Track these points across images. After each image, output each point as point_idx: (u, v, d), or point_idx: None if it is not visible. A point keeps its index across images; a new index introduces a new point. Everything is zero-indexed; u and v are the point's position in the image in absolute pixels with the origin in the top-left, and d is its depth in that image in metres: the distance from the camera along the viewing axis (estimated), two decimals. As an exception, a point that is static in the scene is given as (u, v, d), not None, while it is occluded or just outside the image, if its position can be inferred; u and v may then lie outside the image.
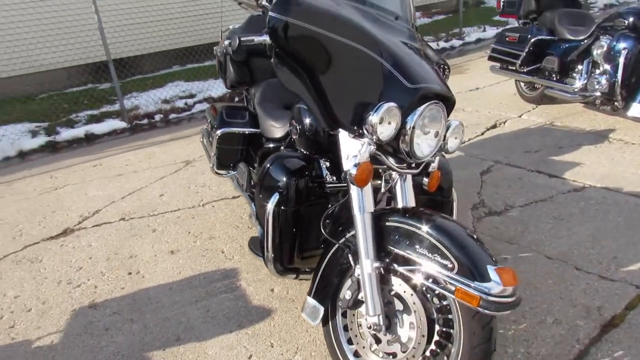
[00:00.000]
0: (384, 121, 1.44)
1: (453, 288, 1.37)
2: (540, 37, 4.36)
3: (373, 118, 1.41)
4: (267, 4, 1.58)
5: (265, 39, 1.59)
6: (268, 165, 1.80)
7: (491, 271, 1.38)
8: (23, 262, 2.89)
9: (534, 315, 2.04)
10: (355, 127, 1.49)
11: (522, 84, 4.89)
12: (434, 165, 1.71)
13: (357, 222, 1.55)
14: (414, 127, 1.47)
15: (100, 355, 2.06)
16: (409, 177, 1.70)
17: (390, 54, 1.50)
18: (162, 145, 4.90)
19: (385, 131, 1.44)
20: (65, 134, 5.42)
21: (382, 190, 1.76)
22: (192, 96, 6.47)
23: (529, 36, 4.40)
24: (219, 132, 2.55)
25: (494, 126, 4.37)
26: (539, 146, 3.80)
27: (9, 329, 2.30)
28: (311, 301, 1.73)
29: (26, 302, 2.49)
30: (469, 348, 1.43)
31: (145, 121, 5.83)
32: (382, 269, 1.55)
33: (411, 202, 1.69)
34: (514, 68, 4.60)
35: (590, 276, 2.25)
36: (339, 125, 1.55)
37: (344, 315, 1.73)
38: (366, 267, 1.53)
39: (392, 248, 1.53)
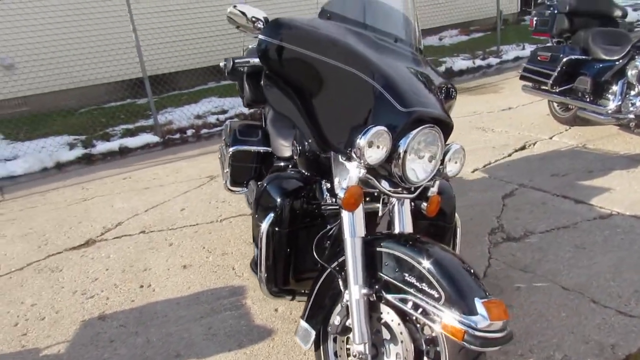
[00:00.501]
0: (373, 145, 1.41)
1: (439, 320, 1.33)
2: (572, 57, 4.22)
3: (361, 141, 1.39)
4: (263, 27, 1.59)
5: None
6: (265, 185, 1.80)
7: (479, 304, 1.32)
8: (44, 270, 2.99)
9: (542, 349, 1.94)
10: (345, 150, 1.48)
11: (555, 104, 4.74)
12: (433, 190, 1.66)
13: (347, 247, 1.52)
14: (406, 151, 1.44)
15: (102, 367, 2.10)
16: (407, 201, 1.66)
17: (382, 76, 1.48)
18: (190, 159, 5.00)
19: (374, 155, 1.42)
20: (101, 147, 5.62)
21: (380, 213, 1.74)
22: (224, 112, 6.59)
23: (561, 55, 4.27)
24: (231, 149, 2.59)
25: (523, 147, 4.24)
26: (567, 169, 3.65)
27: (21, 336, 2.37)
28: (303, 324, 1.70)
29: (41, 310, 2.57)
30: (455, 383, 1.37)
31: (177, 136, 5.98)
32: (371, 296, 1.51)
33: (408, 227, 1.65)
34: (546, 88, 4.47)
35: (607, 310, 2.12)
36: (330, 148, 1.53)
37: (335, 340, 1.69)
38: (354, 293, 1.49)
39: (382, 275, 1.50)
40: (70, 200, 4.18)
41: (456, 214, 1.91)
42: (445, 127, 1.56)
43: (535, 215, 3.02)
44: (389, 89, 1.47)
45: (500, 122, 5.01)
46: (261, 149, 2.60)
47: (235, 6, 1.54)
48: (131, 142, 5.72)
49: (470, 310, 1.32)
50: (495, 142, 4.42)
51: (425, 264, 1.40)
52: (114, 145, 5.63)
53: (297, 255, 1.79)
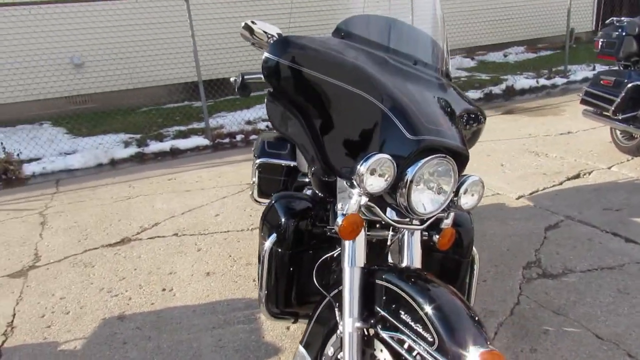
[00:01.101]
0: (375, 173, 1.34)
1: None
2: (639, 83, 3.92)
3: (361, 168, 1.32)
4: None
5: None
6: (272, 203, 1.77)
7: (474, 353, 1.21)
8: (79, 265, 3.11)
9: (562, 403, 1.79)
10: (348, 176, 1.41)
11: (617, 132, 4.42)
12: (447, 222, 1.56)
13: (345, 276, 1.46)
14: (412, 181, 1.36)
15: (111, 368, 2.13)
16: (418, 232, 1.57)
17: (392, 101, 1.40)
18: (235, 165, 5.07)
19: (375, 183, 1.35)
20: (154, 146, 5.82)
21: (389, 242, 1.66)
22: (274, 119, 6.64)
23: (626, 80, 3.97)
24: (257, 161, 2.58)
25: (577, 176, 3.97)
26: (621, 204, 3.38)
27: (45, 328, 2.46)
28: (301, 350, 1.65)
29: (68, 304, 2.66)
30: None
31: (227, 140, 6.10)
32: (365, 329, 1.43)
33: (417, 260, 1.56)
34: (608, 114, 4.17)
35: (643, 367, 1.93)
36: (333, 172, 1.48)
37: (329, 371, 1.62)
38: (347, 325, 1.43)
39: (379, 309, 1.42)
40: (116, 197, 4.34)
41: (474, 249, 1.79)
42: (461, 157, 1.46)
43: (578, 251, 2.81)
44: (398, 114, 1.39)
45: (556, 147, 4.73)
46: (288, 162, 2.57)
47: (248, 22, 1.52)
48: (182, 143, 5.89)
49: (458, 358, 1.22)
50: (547, 168, 4.17)
51: (423, 303, 1.31)
52: (165, 145, 5.82)
53: (300, 277, 1.74)
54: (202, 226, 3.54)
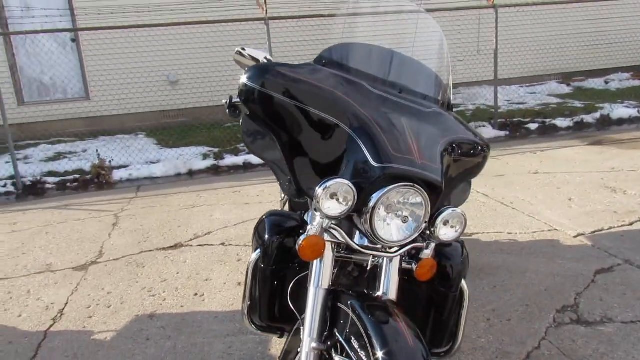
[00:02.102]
0: (335, 197, 1.37)
1: None
2: None
3: (319, 191, 1.35)
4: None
5: None
6: (263, 218, 1.84)
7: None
8: (132, 264, 3.39)
9: None
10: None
11: None
12: (426, 252, 1.54)
13: (309, 297, 1.49)
14: (374, 207, 1.37)
15: (129, 361, 2.31)
16: (396, 260, 1.56)
17: (362, 128, 1.43)
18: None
19: (333, 207, 1.37)
20: (229, 160, 6.18)
21: (368, 267, 1.67)
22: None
23: None
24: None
25: (653, 218, 3.60)
26: (696, 252, 3.01)
27: (87, 318, 2.73)
28: None
29: (112, 299, 2.92)
30: None
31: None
32: (322, 352, 1.45)
33: (392, 289, 1.54)
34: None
35: None
36: (302, 193, 1.52)
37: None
38: (305, 345, 1.45)
39: (337, 333, 1.43)
40: (183, 205, 4.67)
41: (463, 282, 1.72)
42: (435, 188, 1.44)
43: (627, 300, 2.55)
44: (366, 141, 1.42)
45: (637, 183, 4.32)
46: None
47: (239, 49, 1.63)
48: (255, 158, 6.17)
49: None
50: (620, 207, 3.82)
51: (374, 339, 1.31)
52: (239, 160, 6.14)
53: (284, 293, 1.79)
54: (249, 238, 3.69)
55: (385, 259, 1.55)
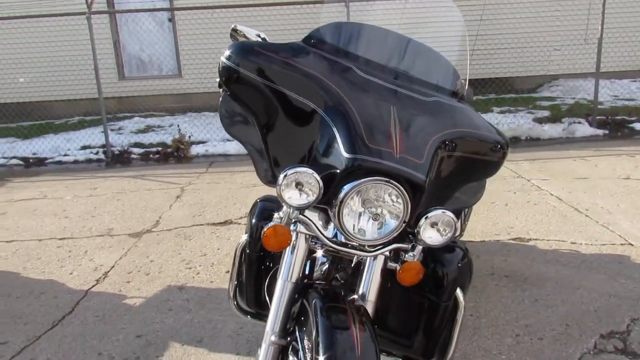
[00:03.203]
0: (300, 186, 1.29)
1: None
2: None
3: (279, 179, 1.28)
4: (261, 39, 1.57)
5: None
6: (256, 202, 1.79)
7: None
8: (180, 236, 3.53)
9: None
10: None
11: None
12: (410, 255, 1.41)
13: (276, 289, 1.43)
14: (341, 201, 1.27)
15: (148, 328, 2.40)
16: (380, 259, 1.44)
17: (340, 114, 1.32)
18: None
19: (295, 197, 1.29)
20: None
21: (352, 264, 1.57)
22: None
23: None
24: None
25: None
26: None
27: (125, 282, 2.89)
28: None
29: (152, 267, 3.07)
30: None
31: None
32: (281, 346, 1.39)
33: (372, 289, 1.43)
34: None
35: None
36: (275, 179, 1.45)
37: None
38: (266, 339, 1.40)
39: (296, 330, 1.36)
40: (245, 184, 4.78)
41: (459, 292, 1.55)
42: (416, 186, 1.30)
43: (693, 334, 2.18)
44: (342, 129, 1.31)
45: None
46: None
47: (233, 26, 1.58)
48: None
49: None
50: None
51: (321, 338, 1.23)
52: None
53: (269, 281, 1.74)
54: (295, 222, 3.68)
55: (368, 258, 1.44)
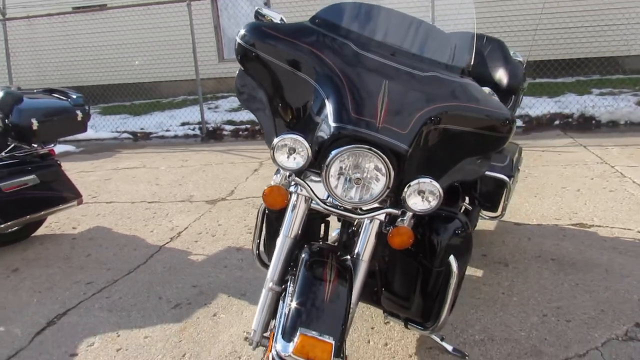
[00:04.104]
0: (292, 151, 1.45)
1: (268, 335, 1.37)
2: None
3: (274, 143, 1.45)
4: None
5: None
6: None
7: (297, 333, 1.28)
8: (249, 205, 3.85)
9: None
10: None
11: None
12: (401, 220, 1.52)
13: (278, 243, 1.61)
14: (327, 165, 1.42)
15: (203, 280, 2.71)
16: (375, 224, 1.57)
17: (333, 88, 1.45)
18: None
19: (284, 160, 1.46)
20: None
21: (354, 227, 1.71)
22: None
23: None
24: None
25: None
26: None
27: (193, 242, 3.25)
28: None
29: (218, 230, 3.40)
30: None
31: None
32: (277, 293, 1.57)
33: (367, 250, 1.57)
34: None
35: None
36: None
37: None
38: (266, 285, 1.59)
39: (289, 279, 1.54)
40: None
41: (452, 259, 1.62)
42: (398, 155, 1.41)
43: None
44: (333, 100, 1.45)
45: None
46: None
47: (257, 9, 1.74)
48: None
49: (288, 335, 1.30)
50: None
51: (298, 286, 1.42)
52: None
53: None
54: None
55: (365, 221, 1.58)
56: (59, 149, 6.44)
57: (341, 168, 1.42)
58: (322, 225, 1.91)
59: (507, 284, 2.46)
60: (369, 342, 2.09)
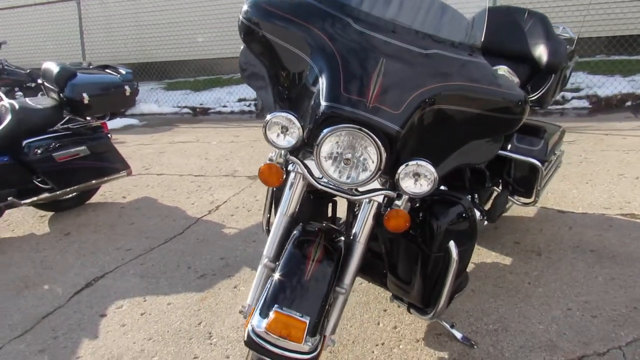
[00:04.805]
0: (285, 129, 1.45)
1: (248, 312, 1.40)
2: None
3: (266, 120, 1.45)
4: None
5: None
6: None
7: (272, 311, 1.30)
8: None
9: None
10: None
11: None
12: (397, 203, 1.49)
13: (275, 221, 1.63)
14: (318, 145, 1.41)
15: (231, 253, 2.80)
16: (373, 206, 1.55)
17: (328, 66, 1.43)
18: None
19: (274, 138, 1.45)
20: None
21: (356, 208, 1.70)
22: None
23: None
24: None
25: None
26: None
27: (229, 215, 3.35)
28: None
29: (254, 205, 3.48)
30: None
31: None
32: (273, 269, 1.59)
33: (364, 232, 1.55)
34: None
35: None
36: None
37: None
38: (262, 261, 1.61)
39: (281, 255, 1.56)
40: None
41: (452, 246, 1.56)
42: (389, 136, 1.37)
43: None
44: (326, 78, 1.42)
45: None
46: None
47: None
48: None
49: (265, 311, 1.32)
50: None
51: (282, 260, 1.45)
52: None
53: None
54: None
55: (364, 202, 1.56)
56: (124, 122, 6.83)
57: (336, 147, 1.40)
58: (330, 206, 1.90)
59: (535, 274, 2.35)
60: (378, 323, 2.08)
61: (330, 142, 1.39)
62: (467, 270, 2.40)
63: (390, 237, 1.71)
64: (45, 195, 3.23)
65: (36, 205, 3.43)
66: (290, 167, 1.58)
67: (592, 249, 2.53)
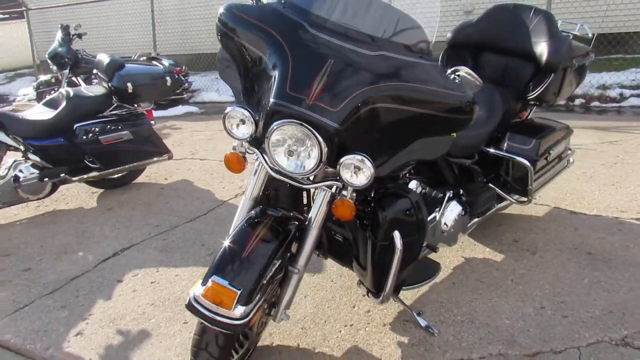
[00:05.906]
0: (242, 122, 1.63)
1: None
2: None
3: (224, 113, 1.63)
4: None
5: None
6: None
7: (210, 279, 1.48)
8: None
9: None
10: None
11: None
12: (343, 193, 1.63)
13: (240, 203, 1.81)
14: (266, 137, 1.57)
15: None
16: (327, 194, 1.69)
17: (281, 67, 1.57)
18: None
19: (233, 129, 1.64)
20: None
21: (312, 194, 1.84)
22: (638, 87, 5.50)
23: None
24: None
25: None
26: None
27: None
28: None
29: (277, 191, 3.68)
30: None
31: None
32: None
33: (317, 217, 1.71)
34: None
35: None
36: None
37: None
38: (224, 242, 1.79)
39: None
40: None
41: (396, 235, 1.67)
42: (326, 131, 1.50)
43: None
44: (278, 77, 1.57)
45: None
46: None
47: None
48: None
49: (205, 279, 1.51)
50: None
51: (231, 234, 1.64)
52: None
53: None
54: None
55: (319, 191, 1.71)
56: (185, 109, 7.30)
57: (289, 140, 1.55)
58: (305, 194, 2.05)
59: (521, 272, 2.36)
60: (354, 306, 2.21)
61: (277, 135, 1.55)
62: (458, 263, 2.48)
63: (350, 225, 1.84)
64: (94, 173, 3.63)
65: (88, 182, 3.86)
66: (254, 157, 1.75)
67: (590, 251, 2.49)
